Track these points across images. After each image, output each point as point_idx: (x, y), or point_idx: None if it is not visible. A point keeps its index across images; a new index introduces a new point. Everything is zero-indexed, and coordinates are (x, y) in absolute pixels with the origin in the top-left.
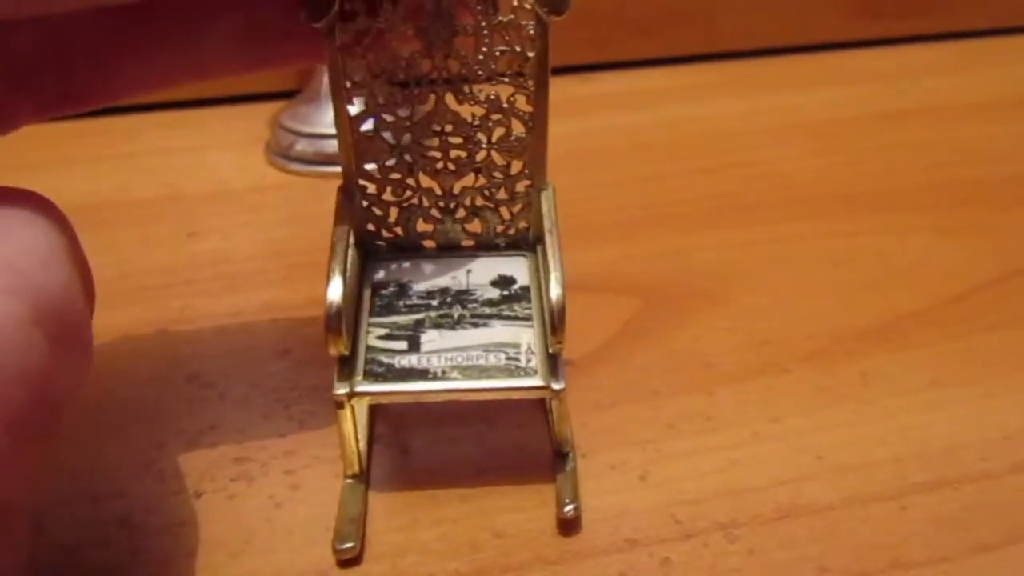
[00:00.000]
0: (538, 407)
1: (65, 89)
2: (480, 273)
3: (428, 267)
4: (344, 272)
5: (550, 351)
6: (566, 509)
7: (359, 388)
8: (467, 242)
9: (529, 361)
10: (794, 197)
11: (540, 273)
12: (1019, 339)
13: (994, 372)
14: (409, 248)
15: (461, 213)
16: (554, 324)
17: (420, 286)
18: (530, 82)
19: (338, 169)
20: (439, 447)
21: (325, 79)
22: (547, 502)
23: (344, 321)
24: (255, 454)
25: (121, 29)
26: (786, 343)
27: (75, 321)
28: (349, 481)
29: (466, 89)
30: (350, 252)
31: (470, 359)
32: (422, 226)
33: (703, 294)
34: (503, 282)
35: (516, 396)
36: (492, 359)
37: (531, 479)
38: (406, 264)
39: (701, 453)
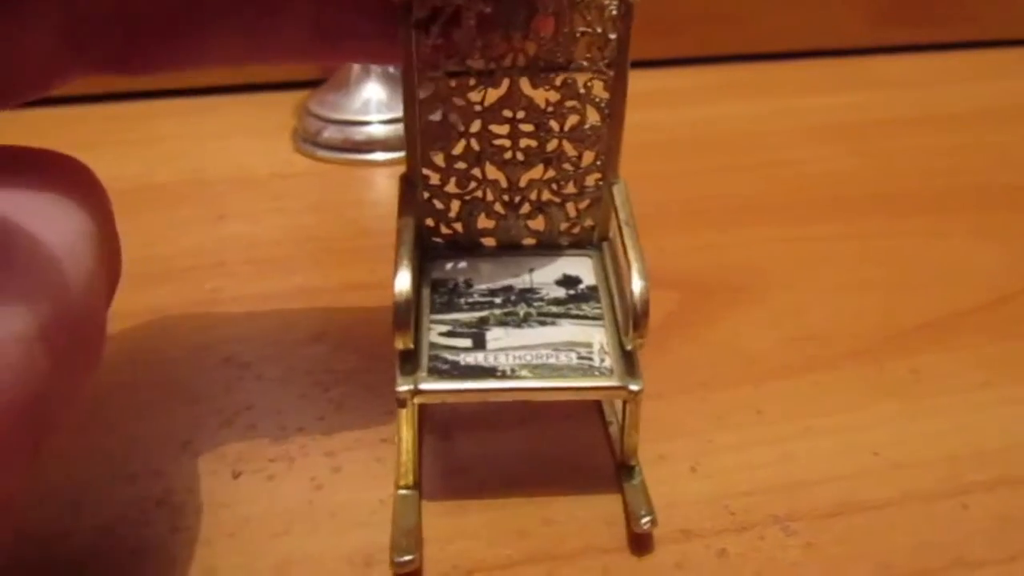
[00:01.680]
0: (593, 410)
1: (126, 53)
2: (543, 272)
3: (488, 265)
4: (412, 263)
5: (628, 348)
6: (643, 522)
7: (423, 385)
8: (529, 241)
9: (603, 361)
10: (827, 197)
11: (607, 273)
12: None
13: None
14: (468, 246)
15: (526, 208)
16: (636, 319)
17: (481, 284)
18: (609, 67)
19: (367, 156)
20: (488, 451)
21: (356, 64)
22: (597, 491)
23: (411, 314)
24: (294, 435)
25: (194, 1)
26: (831, 340)
27: (89, 318)
28: (402, 492)
29: (542, 73)
30: None
31: (540, 358)
32: (483, 222)
33: (740, 289)
34: (569, 281)
35: (591, 397)
36: (563, 358)
37: (588, 487)
38: (464, 263)
39: (752, 446)
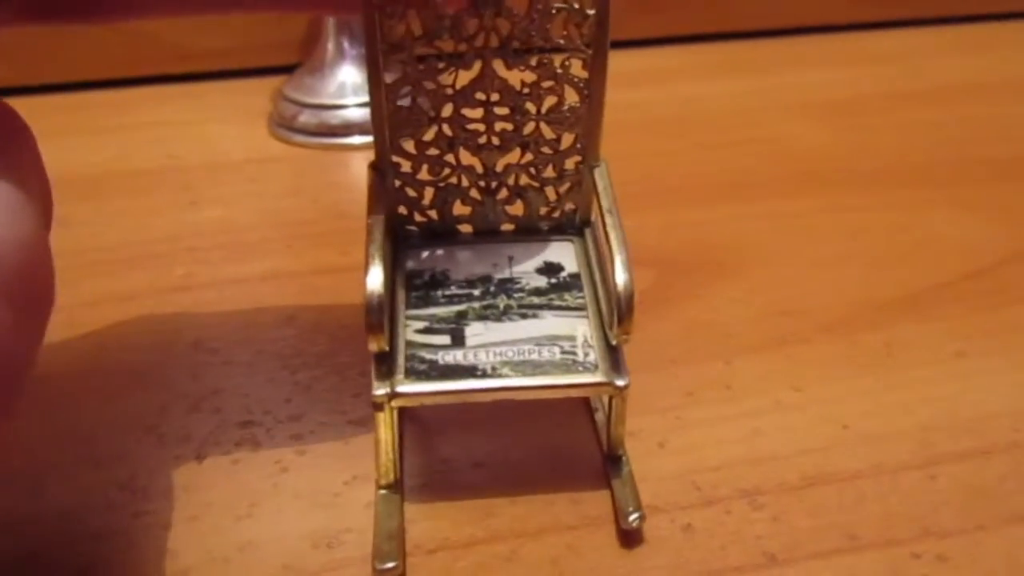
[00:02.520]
0: (579, 404)
1: None
2: (523, 260)
3: (465, 254)
4: (383, 259)
5: (613, 343)
6: (631, 519)
7: (401, 388)
8: (507, 226)
9: (587, 355)
10: (808, 172)
11: (589, 259)
12: None
13: (1018, 345)
14: (443, 233)
15: (503, 194)
16: (620, 313)
17: (458, 275)
18: (588, 46)
19: (342, 140)
20: (470, 441)
21: (330, 47)
22: (563, 468)
23: (384, 314)
24: (260, 418)
25: None
26: (806, 314)
27: (40, 273)
28: (383, 492)
29: (516, 53)
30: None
31: (522, 354)
32: (459, 209)
33: (718, 265)
34: (550, 269)
35: (575, 394)
36: (546, 353)
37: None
38: (440, 251)
39: (722, 421)
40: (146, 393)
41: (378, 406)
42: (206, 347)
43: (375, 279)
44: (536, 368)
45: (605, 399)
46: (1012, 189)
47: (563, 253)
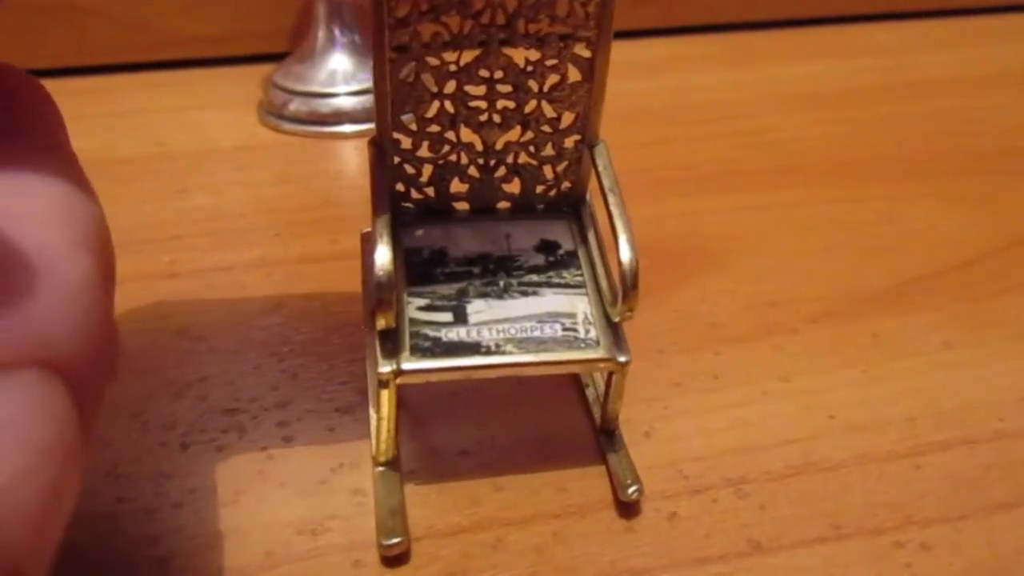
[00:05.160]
0: (569, 383)
1: None
2: (521, 238)
3: (462, 231)
4: (391, 236)
5: (616, 319)
6: (630, 491)
7: (406, 365)
8: (503, 204)
9: (588, 332)
10: (796, 164)
11: (586, 236)
12: None
13: (1004, 336)
14: (440, 210)
15: (501, 171)
16: (626, 291)
17: (457, 252)
18: (592, 22)
19: (333, 129)
20: (462, 419)
21: (321, 35)
22: (549, 457)
23: (394, 292)
24: (246, 406)
25: None
26: (793, 304)
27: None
28: (381, 469)
29: (521, 29)
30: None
31: (524, 331)
32: (456, 186)
33: (706, 256)
34: (547, 247)
35: (578, 370)
36: (548, 331)
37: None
38: (437, 229)
39: (709, 411)
40: (131, 380)
41: (383, 383)
42: (192, 334)
43: (384, 256)
44: (539, 345)
45: (599, 376)
46: (998, 181)
47: (559, 231)
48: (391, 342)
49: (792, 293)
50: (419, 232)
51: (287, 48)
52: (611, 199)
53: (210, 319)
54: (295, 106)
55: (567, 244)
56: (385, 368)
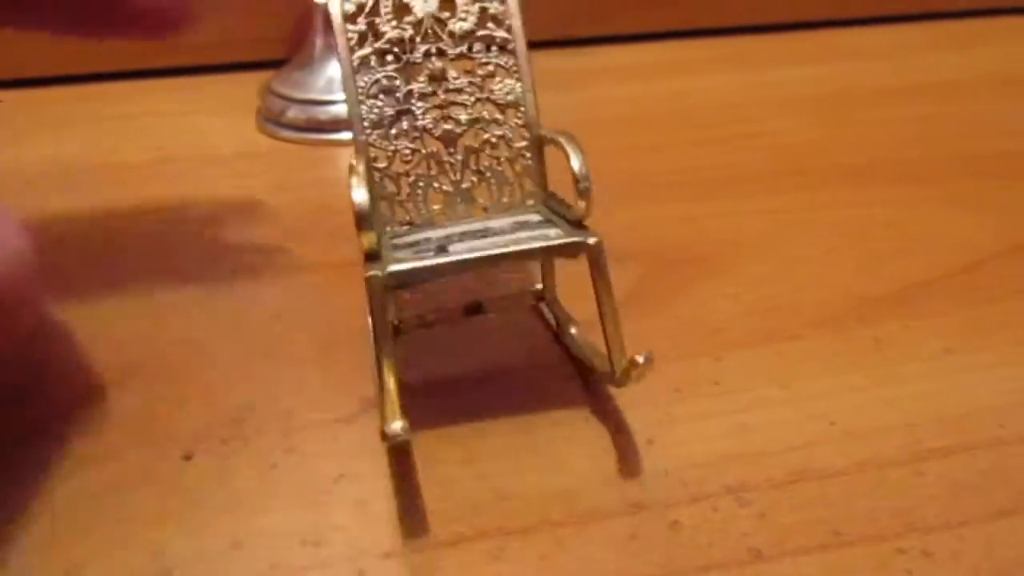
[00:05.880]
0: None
1: None
2: (497, 223)
3: (445, 228)
4: (367, 176)
5: (577, 216)
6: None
7: (392, 268)
8: (478, 212)
9: (558, 236)
10: (798, 168)
11: (554, 213)
12: None
13: (1006, 341)
14: (422, 224)
15: (469, 180)
16: (580, 191)
17: (440, 235)
18: (508, 33)
19: (331, 136)
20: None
21: (318, 43)
22: (551, 464)
23: (371, 218)
24: (249, 416)
25: None
26: (795, 310)
27: None
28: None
29: (454, 51)
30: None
31: (499, 246)
32: (433, 198)
33: (708, 261)
34: (522, 223)
35: (554, 255)
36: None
37: (539, 435)
38: (420, 232)
39: (710, 417)
40: (134, 390)
41: (372, 290)
42: (194, 344)
43: (360, 196)
44: (514, 243)
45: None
46: (1000, 184)
47: (530, 216)
48: (378, 262)
49: (794, 298)
50: (405, 235)
51: (286, 55)
52: (555, 135)
53: (212, 328)
54: (293, 113)
55: (538, 220)
56: (372, 272)
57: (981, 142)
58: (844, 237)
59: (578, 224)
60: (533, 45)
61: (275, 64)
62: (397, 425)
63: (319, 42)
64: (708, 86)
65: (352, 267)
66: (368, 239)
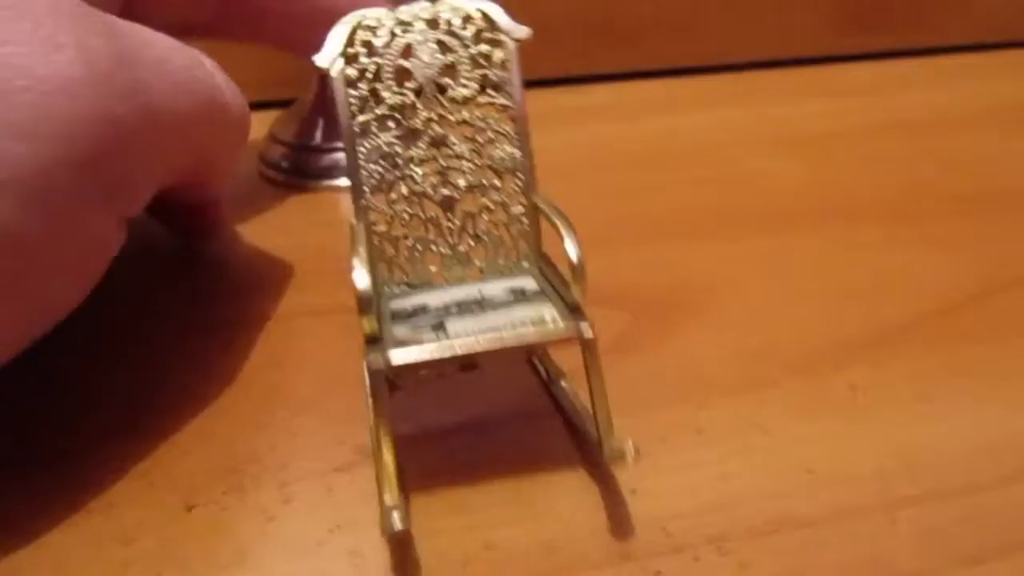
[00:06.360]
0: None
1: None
2: (492, 289)
3: (440, 293)
4: (368, 260)
5: (573, 299)
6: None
7: (396, 359)
8: (473, 273)
9: (556, 322)
10: (780, 209)
11: (548, 279)
12: (1003, 353)
13: (979, 385)
14: (419, 285)
15: (466, 242)
16: (575, 274)
17: (437, 303)
18: (509, 101)
19: (330, 182)
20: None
21: (316, 89)
22: (539, 515)
23: (374, 302)
24: (247, 466)
25: None
26: (774, 355)
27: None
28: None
29: (454, 117)
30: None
31: (498, 330)
32: (430, 259)
33: (690, 306)
34: (517, 291)
35: (547, 338)
36: (520, 327)
37: (527, 487)
38: (417, 295)
39: (692, 467)
40: (137, 438)
41: (375, 376)
42: (192, 391)
43: (360, 264)
44: (513, 331)
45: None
46: (978, 224)
47: (524, 281)
48: (378, 347)
49: (773, 343)
50: (403, 301)
51: (287, 97)
52: (553, 216)
53: (210, 376)
54: (292, 159)
55: (533, 287)
56: (374, 361)
57: (961, 181)
58: (821, 279)
59: (573, 306)
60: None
61: (278, 105)
62: (397, 521)
63: (317, 88)
64: (692, 125)
65: (349, 313)
66: (370, 324)
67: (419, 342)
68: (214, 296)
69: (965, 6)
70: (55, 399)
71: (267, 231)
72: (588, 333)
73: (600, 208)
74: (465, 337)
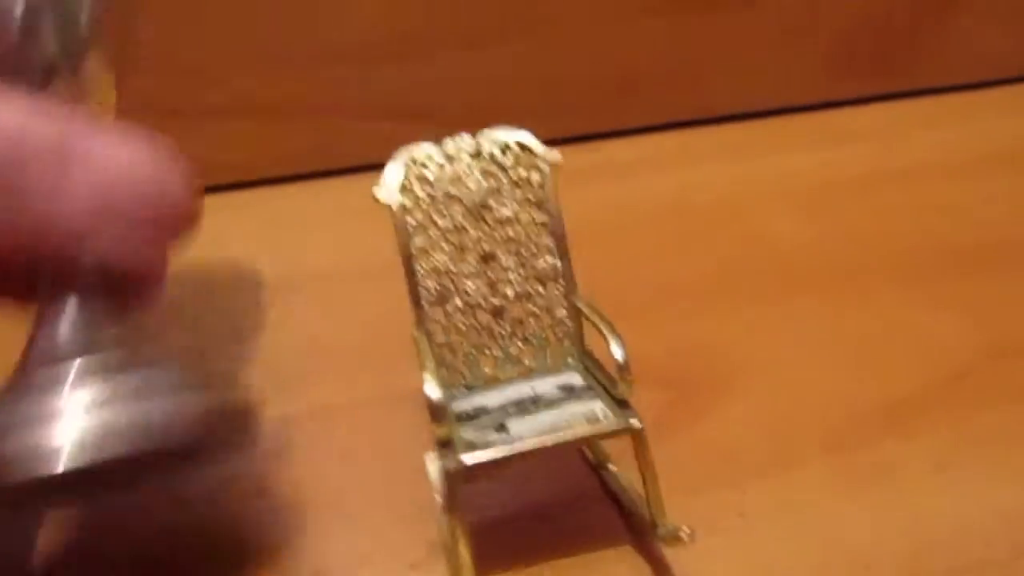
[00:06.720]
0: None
1: None
2: (543, 386)
3: (495, 392)
4: (435, 370)
5: (621, 396)
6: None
7: (469, 461)
8: (524, 372)
9: (606, 416)
10: (792, 270)
11: (593, 374)
12: (1015, 418)
13: (993, 453)
14: (475, 386)
15: (516, 347)
16: (621, 373)
17: (494, 403)
18: (547, 218)
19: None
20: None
21: None
22: None
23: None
24: (331, 569)
25: None
26: (802, 433)
27: None
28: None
29: (500, 234)
30: None
31: (555, 428)
32: (485, 362)
33: (719, 380)
34: (566, 387)
35: (601, 433)
36: (575, 423)
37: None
38: (475, 397)
39: (737, 551)
40: (212, 551)
41: (452, 479)
42: (268, 496)
43: (431, 380)
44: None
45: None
46: (980, 281)
47: (572, 377)
48: (449, 450)
49: (800, 419)
50: (462, 402)
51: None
52: (596, 320)
53: (281, 475)
54: None
55: (580, 383)
56: (451, 465)
57: (964, 233)
58: (837, 345)
59: (621, 400)
60: None
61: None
62: None
63: None
64: (702, 180)
65: (406, 400)
66: (443, 431)
67: (487, 444)
68: (272, 389)
69: (964, 43)
70: None
71: (318, 313)
72: (638, 425)
73: (621, 275)
74: (528, 438)
